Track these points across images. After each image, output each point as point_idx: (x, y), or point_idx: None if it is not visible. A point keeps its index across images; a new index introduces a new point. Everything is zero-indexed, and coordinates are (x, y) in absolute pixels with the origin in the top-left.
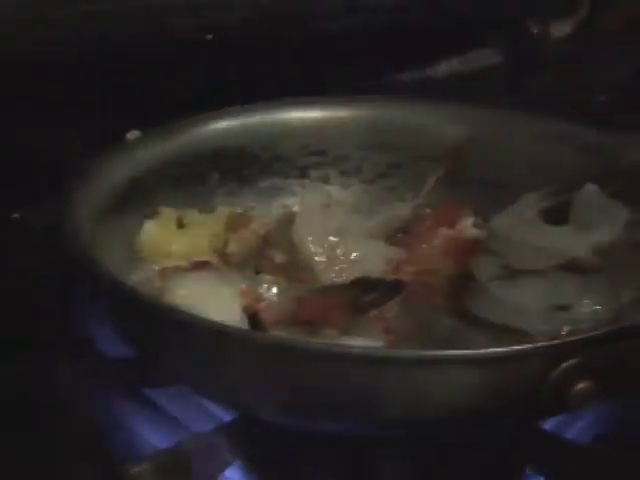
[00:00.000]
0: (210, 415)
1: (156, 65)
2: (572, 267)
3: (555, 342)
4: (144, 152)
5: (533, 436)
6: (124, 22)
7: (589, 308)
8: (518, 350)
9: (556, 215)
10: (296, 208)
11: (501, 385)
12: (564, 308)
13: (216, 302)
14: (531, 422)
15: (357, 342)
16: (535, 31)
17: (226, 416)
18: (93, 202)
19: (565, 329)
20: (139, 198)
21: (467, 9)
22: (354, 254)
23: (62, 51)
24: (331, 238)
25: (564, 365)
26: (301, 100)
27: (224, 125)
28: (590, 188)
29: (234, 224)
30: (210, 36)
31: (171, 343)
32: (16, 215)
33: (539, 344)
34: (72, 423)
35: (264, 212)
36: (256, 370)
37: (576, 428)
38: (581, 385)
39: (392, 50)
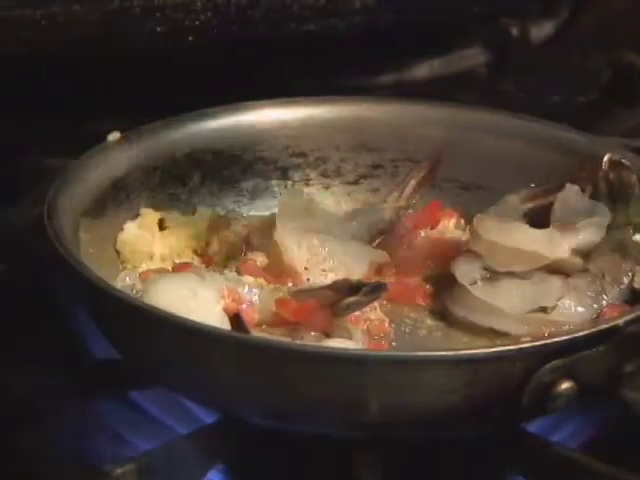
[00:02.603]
0: (193, 417)
1: (136, 66)
2: (554, 269)
3: (538, 343)
4: (125, 153)
5: (517, 438)
6: (103, 25)
7: (571, 310)
8: (501, 351)
9: (538, 217)
10: (277, 210)
11: (484, 386)
12: (546, 310)
13: (197, 304)
14: (514, 424)
15: (339, 344)
16: (515, 32)
17: (209, 418)
18: (74, 203)
19: (547, 331)
20: (120, 199)
21: (447, 10)
22: (335, 256)
23: (41, 52)
24: (313, 240)
25: (547, 366)
26: (282, 101)
27: (205, 126)
28: (571, 189)
29: (216, 226)
30: (190, 38)
31: (153, 345)
32: None
33: (522, 345)
34: (56, 424)
35: (245, 213)
36: (238, 371)
37: (561, 431)
38: (563, 386)
39: (373, 51)
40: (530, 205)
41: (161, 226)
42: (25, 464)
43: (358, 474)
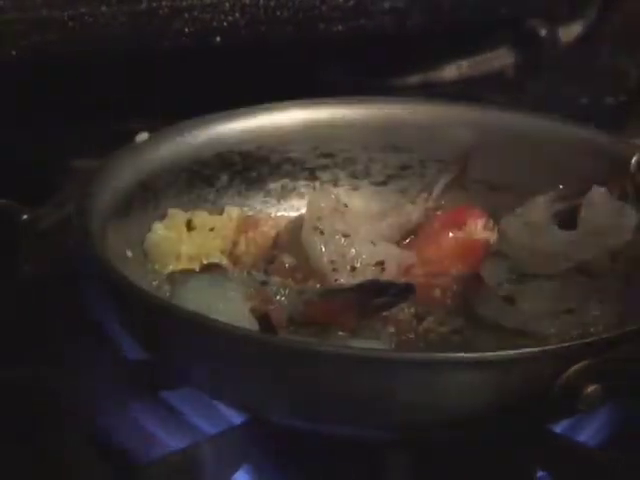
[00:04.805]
0: (222, 417)
1: (164, 67)
2: (581, 271)
3: (565, 345)
4: (152, 154)
5: (543, 438)
6: (131, 25)
7: (597, 311)
8: (528, 353)
9: (566, 218)
10: (305, 210)
11: (511, 387)
12: (572, 311)
13: (225, 305)
14: (541, 424)
15: (367, 344)
16: (543, 33)
17: (237, 418)
18: (102, 204)
19: (573, 332)
20: (147, 200)
21: (475, 11)
22: (363, 257)
23: (69, 53)
24: (341, 241)
25: (574, 368)
26: (310, 101)
27: (232, 126)
28: (598, 191)
29: (244, 226)
30: (218, 39)
31: (182, 345)
32: (25, 217)
33: (549, 347)
34: (85, 424)
35: (273, 214)
36: (267, 372)
37: (587, 431)
38: (591, 387)
39: (402, 52)
40: (558, 207)
41: (189, 226)
42: (58, 462)
43: (387, 475)
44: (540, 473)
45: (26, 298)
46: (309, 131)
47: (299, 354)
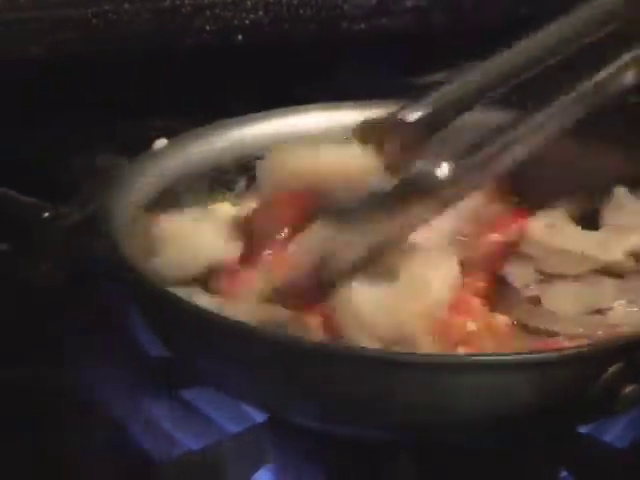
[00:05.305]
0: (243, 416)
1: (186, 65)
2: (607, 271)
3: (603, 345)
4: (171, 161)
5: (570, 439)
6: (153, 23)
7: (626, 311)
8: (571, 354)
9: (587, 219)
10: None
11: (549, 389)
12: (599, 312)
13: (200, 237)
14: (575, 426)
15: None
16: None
17: (259, 417)
18: (123, 211)
19: (600, 332)
20: (167, 206)
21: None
22: None
23: (92, 50)
24: None
25: (612, 369)
26: (329, 105)
27: (251, 131)
28: (620, 191)
29: None
30: (240, 37)
31: (203, 345)
32: (47, 214)
33: (590, 348)
34: (104, 422)
35: None
36: (286, 372)
37: (614, 431)
38: (628, 388)
39: (424, 51)
40: (580, 207)
41: None
42: (58, 462)
43: (408, 475)
44: (564, 473)
45: (26, 298)
46: (328, 135)
47: (321, 355)
